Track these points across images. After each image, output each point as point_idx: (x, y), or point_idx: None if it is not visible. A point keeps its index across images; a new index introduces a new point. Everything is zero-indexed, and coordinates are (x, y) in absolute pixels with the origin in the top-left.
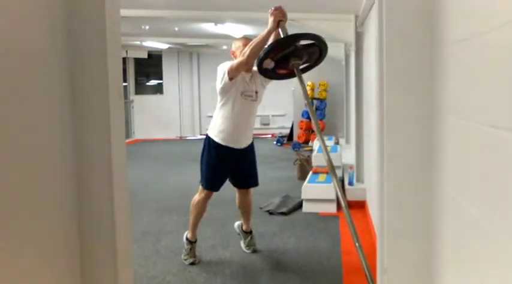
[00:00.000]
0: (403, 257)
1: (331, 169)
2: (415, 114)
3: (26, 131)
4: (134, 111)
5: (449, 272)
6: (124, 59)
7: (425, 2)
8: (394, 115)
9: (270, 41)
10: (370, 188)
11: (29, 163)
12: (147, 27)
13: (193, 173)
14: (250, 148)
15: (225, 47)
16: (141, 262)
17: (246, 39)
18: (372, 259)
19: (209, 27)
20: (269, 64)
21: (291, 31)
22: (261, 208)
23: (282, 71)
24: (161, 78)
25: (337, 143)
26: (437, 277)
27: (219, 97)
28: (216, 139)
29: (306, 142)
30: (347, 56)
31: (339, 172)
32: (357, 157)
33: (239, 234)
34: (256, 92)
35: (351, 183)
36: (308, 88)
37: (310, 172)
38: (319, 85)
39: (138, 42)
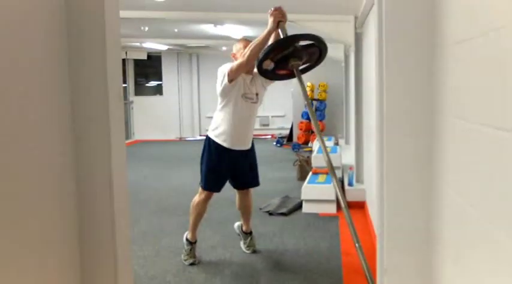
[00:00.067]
0: (403, 257)
1: (330, 169)
2: (414, 114)
3: (26, 131)
4: (134, 112)
5: (449, 272)
6: (123, 60)
7: (425, 3)
8: (394, 116)
9: (271, 41)
10: (369, 189)
11: (29, 163)
12: (147, 28)
13: (193, 174)
14: (251, 150)
15: (224, 48)
16: (140, 262)
17: (247, 41)
18: (371, 259)
19: (208, 28)
20: (269, 65)
21: (291, 32)
22: (260, 208)
23: (282, 72)
24: (161, 79)
25: (336, 144)
26: (437, 277)
27: (219, 99)
28: (217, 140)
29: (306, 143)
30: (347, 57)
31: (338, 173)
32: (356, 158)
33: (239, 235)
34: (257, 94)
35: (350, 184)
36: (308, 89)
37: (310, 173)
38: (319, 86)
39: (138, 44)
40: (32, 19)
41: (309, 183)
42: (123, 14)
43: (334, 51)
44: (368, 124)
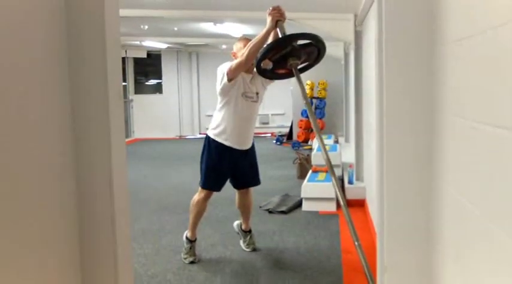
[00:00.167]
0: (403, 255)
1: (330, 168)
2: (414, 112)
3: (26, 131)
4: (134, 111)
5: (450, 271)
6: (123, 59)
7: (425, 1)
8: (394, 114)
9: (270, 40)
10: (369, 187)
11: (29, 163)
12: (146, 27)
13: (193, 172)
14: (251, 149)
15: (224, 47)
16: (141, 260)
17: (247, 40)
18: (372, 257)
19: (208, 26)
20: (267, 64)
21: (291, 30)
22: (260, 207)
23: (281, 71)
24: (160, 78)
25: (336, 142)
26: (437, 275)
27: (219, 98)
28: (217, 139)
29: (306, 141)
30: (346, 55)
31: (338, 171)
32: (356, 156)
33: (238, 233)
34: (257, 93)
35: (350, 182)
36: (307, 87)
37: (310, 171)
38: (319, 84)
39: (138, 42)
40: (32, 19)
41: (308, 181)
42: (123, 12)
43: (333, 49)
44: (368, 121)
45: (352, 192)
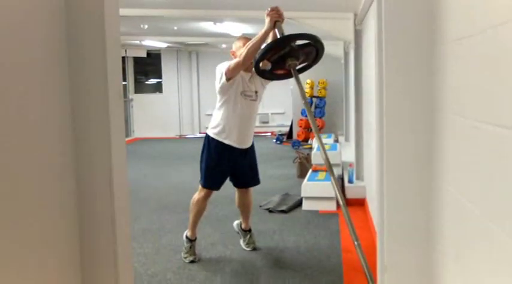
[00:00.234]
0: (403, 255)
1: (329, 168)
2: (414, 111)
3: (26, 131)
4: (134, 110)
5: (450, 271)
6: (123, 58)
7: (425, 0)
8: (394, 113)
9: (269, 41)
10: (369, 186)
11: (29, 162)
12: (146, 26)
13: (193, 171)
14: (251, 148)
15: (224, 46)
16: (141, 260)
17: (247, 39)
18: (372, 256)
19: (208, 26)
20: (266, 65)
21: (290, 30)
22: (260, 206)
23: (280, 72)
24: (160, 77)
25: (336, 141)
26: (437, 275)
27: (218, 97)
28: (216, 138)
29: (306, 140)
30: (346, 54)
31: (338, 170)
32: (356, 155)
33: (238, 233)
34: (256, 92)
35: (350, 181)
36: (307, 86)
37: (310, 170)
38: (319, 83)
39: (137, 41)
40: (32, 19)
41: (309, 180)
42: (123, 12)
43: (333, 48)
44: (368, 120)
45: (352, 191)
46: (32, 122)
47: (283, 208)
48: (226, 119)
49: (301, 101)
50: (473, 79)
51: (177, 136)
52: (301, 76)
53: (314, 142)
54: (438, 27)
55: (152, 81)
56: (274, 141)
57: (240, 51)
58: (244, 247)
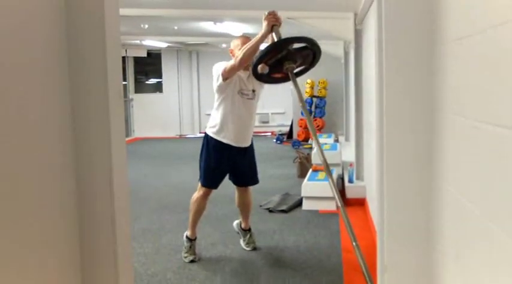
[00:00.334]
0: (403, 254)
1: (326, 169)
2: (414, 111)
3: (26, 130)
4: (134, 110)
5: (450, 271)
6: (123, 58)
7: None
8: (394, 113)
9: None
10: (370, 185)
11: (29, 162)
12: (146, 26)
13: (193, 171)
14: (250, 148)
15: (224, 46)
16: (141, 259)
17: (245, 38)
18: (372, 256)
19: (208, 25)
20: (264, 69)
21: (290, 29)
22: (261, 206)
23: (277, 75)
24: (160, 77)
25: (336, 141)
26: (437, 275)
27: (216, 96)
28: (215, 137)
29: (306, 140)
30: (346, 54)
31: (338, 170)
32: (356, 155)
33: (238, 233)
34: (254, 91)
35: (350, 181)
36: (307, 86)
37: (310, 170)
38: (319, 83)
39: (138, 41)
40: (32, 19)
41: (309, 180)
42: (123, 11)
43: (333, 48)
44: (368, 120)
45: (352, 191)
46: (32, 122)
47: (284, 207)
48: (224, 118)
49: (299, 104)
50: (473, 79)
51: (177, 136)
52: (299, 77)
53: (314, 142)
54: (438, 27)
55: (152, 80)
56: (275, 140)
57: (238, 48)
58: (244, 247)
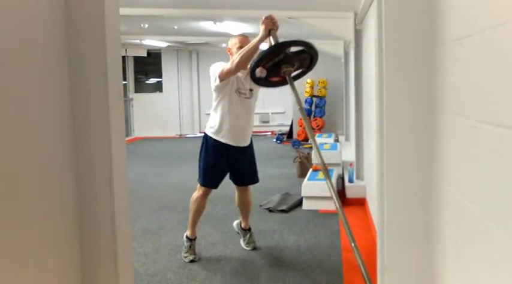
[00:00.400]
0: (403, 254)
1: (324, 170)
2: (414, 111)
3: (26, 131)
4: (134, 109)
5: (450, 271)
6: (123, 58)
7: (425, 0)
8: (394, 113)
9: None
10: (370, 185)
11: (29, 162)
12: (146, 25)
13: (193, 171)
14: (250, 147)
15: (224, 45)
16: (141, 259)
17: (243, 37)
18: (372, 256)
19: (208, 25)
20: (261, 72)
21: (290, 29)
22: (261, 205)
23: (275, 79)
24: (161, 76)
25: (336, 140)
26: (437, 275)
27: (214, 95)
28: (214, 137)
29: (306, 139)
30: (346, 53)
31: (338, 170)
32: (356, 155)
33: (238, 233)
34: (251, 90)
35: (350, 180)
36: (308, 85)
37: (310, 170)
38: (319, 82)
39: (138, 41)
40: (32, 19)
41: (309, 179)
42: (123, 11)
43: (333, 48)
44: (368, 120)
45: (352, 191)
46: (32, 122)
47: (284, 207)
48: (222, 118)
49: (303, 99)
50: (473, 79)
51: (177, 136)
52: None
53: (312, 145)
54: (438, 27)
55: (152, 80)
56: (275, 140)
57: (236, 47)
58: (244, 247)
